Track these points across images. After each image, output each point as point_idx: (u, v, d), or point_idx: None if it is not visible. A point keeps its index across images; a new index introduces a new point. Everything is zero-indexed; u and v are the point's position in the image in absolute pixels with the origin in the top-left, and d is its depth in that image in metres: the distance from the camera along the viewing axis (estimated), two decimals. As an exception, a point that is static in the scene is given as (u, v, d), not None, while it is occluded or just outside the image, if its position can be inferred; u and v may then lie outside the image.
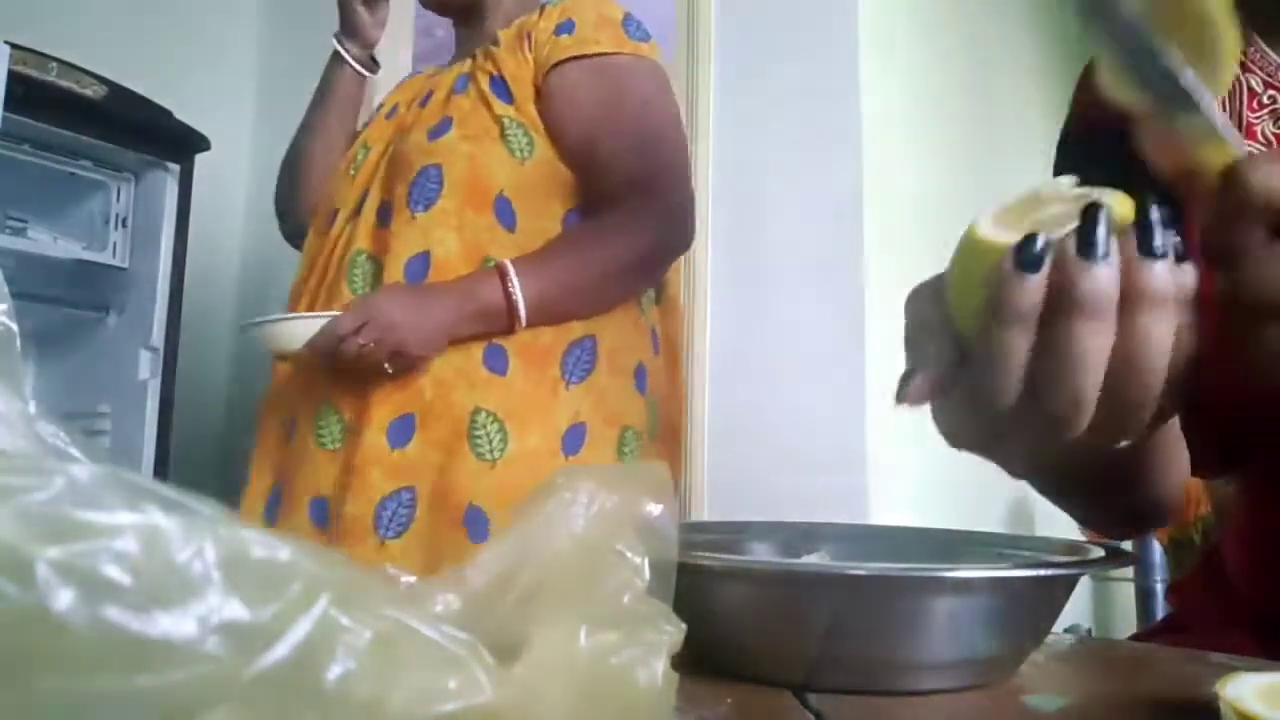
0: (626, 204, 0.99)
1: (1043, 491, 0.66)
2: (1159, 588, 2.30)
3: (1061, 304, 0.32)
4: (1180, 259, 0.32)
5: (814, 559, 0.57)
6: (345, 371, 0.95)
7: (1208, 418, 0.64)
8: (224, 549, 0.18)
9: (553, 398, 0.99)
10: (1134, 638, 0.79)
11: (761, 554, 0.61)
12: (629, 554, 0.28)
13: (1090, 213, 0.32)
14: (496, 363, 0.97)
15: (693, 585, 0.35)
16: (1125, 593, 2.57)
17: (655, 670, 0.24)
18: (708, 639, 0.40)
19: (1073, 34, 2.84)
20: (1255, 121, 0.62)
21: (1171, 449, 0.60)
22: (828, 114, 1.57)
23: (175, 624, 0.17)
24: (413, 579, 0.33)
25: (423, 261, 0.99)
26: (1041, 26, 2.60)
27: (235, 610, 0.18)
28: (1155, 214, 0.32)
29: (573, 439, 0.99)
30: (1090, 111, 0.72)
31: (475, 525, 0.92)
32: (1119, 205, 0.33)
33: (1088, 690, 0.44)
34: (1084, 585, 2.47)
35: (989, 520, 1.93)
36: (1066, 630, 0.93)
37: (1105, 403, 0.33)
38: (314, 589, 0.19)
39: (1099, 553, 0.48)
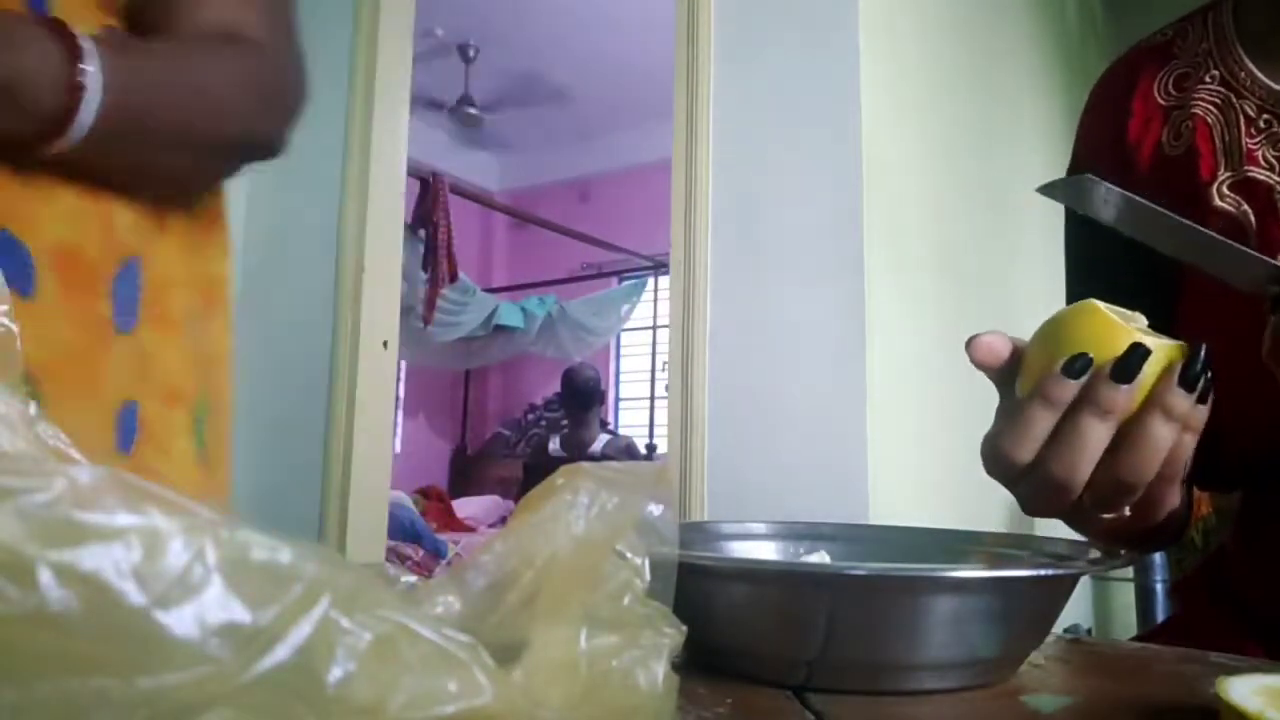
0: (224, 37, 0.66)
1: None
2: (1159, 588, 2.30)
3: (1083, 402, 0.42)
4: (1203, 400, 0.42)
5: (814, 559, 0.57)
6: None
7: (1219, 434, 0.65)
8: (224, 551, 0.18)
9: (102, 350, 0.59)
10: (1135, 638, 0.79)
11: (761, 554, 0.61)
12: (629, 555, 0.28)
13: (1134, 350, 0.41)
14: (15, 271, 0.55)
15: (693, 585, 0.35)
16: (1125, 593, 2.56)
17: (656, 673, 0.24)
18: (708, 639, 0.40)
19: (1073, 33, 2.84)
20: (1255, 147, 0.63)
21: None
22: (828, 113, 1.57)
23: (176, 625, 0.17)
24: (413, 579, 0.33)
25: None
26: (1042, 25, 2.60)
27: (235, 612, 0.18)
28: (1200, 362, 0.41)
29: (125, 428, 0.61)
30: (1093, 155, 0.72)
31: None
32: (1168, 351, 0.42)
33: (1088, 690, 0.44)
34: (1084, 585, 2.47)
35: (989, 520, 1.93)
36: (1066, 630, 0.93)
37: (1100, 477, 0.43)
38: (314, 591, 0.19)
39: (1099, 553, 0.48)
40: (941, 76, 1.92)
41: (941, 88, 1.91)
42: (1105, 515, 0.45)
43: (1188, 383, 0.41)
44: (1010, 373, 0.47)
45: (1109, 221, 0.46)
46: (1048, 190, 0.46)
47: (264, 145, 0.72)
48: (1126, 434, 0.42)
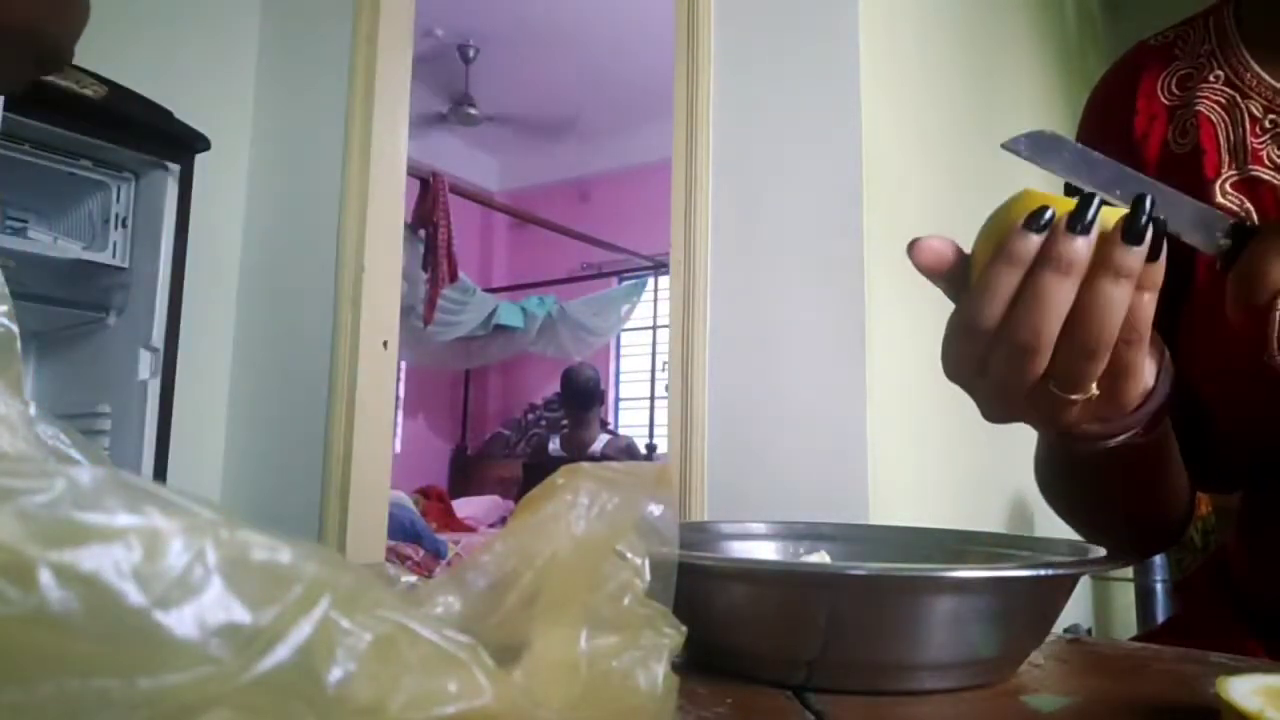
0: None
1: (1052, 503, 0.66)
2: (1159, 588, 2.30)
3: (1043, 259, 0.41)
4: (1155, 257, 0.41)
5: (814, 559, 0.57)
6: None
7: (1219, 437, 0.65)
8: (225, 551, 0.18)
9: None
10: (1135, 638, 0.79)
11: (761, 554, 0.61)
12: (630, 555, 0.28)
13: (1086, 199, 0.41)
14: None
15: (693, 585, 0.35)
16: (1125, 593, 2.56)
17: (656, 674, 0.24)
18: (708, 639, 0.40)
19: (1072, 35, 2.84)
20: (1260, 147, 0.63)
21: (1165, 467, 0.60)
22: (828, 113, 1.57)
23: (176, 626, 0.17)
24: (413, 579, 0.33)
25: None
26: (1041, 27, 2.60)
27: (236, 612, 0.18)
28: (1145, 213, 0.41)
29: None
30: (1096, 149, 0.72)
31: None
32: (1115, 214, 0.41)
33: (1088, 690, 0.44)
34: (1084, 585, 2.47)
35: (989, 520, 1.93)
36: (1066, 630, 0.93)
37: (1064, 347, 0.42)
38: (315, 591, 0.19)
39: (1099, 553, 0.48)
40: (941, 77, 1.92)
41: (941, 88, 1.91)
42: (1073, 396, 0.44)
43: (1134, 236, 0.40)
44: (961, 279, 0.46)
45: (1068, 176, 0.46)
46: (1011, 145, 0.46)
47: (50, 50, 0.73)
48: (1080, 299, 0.41)
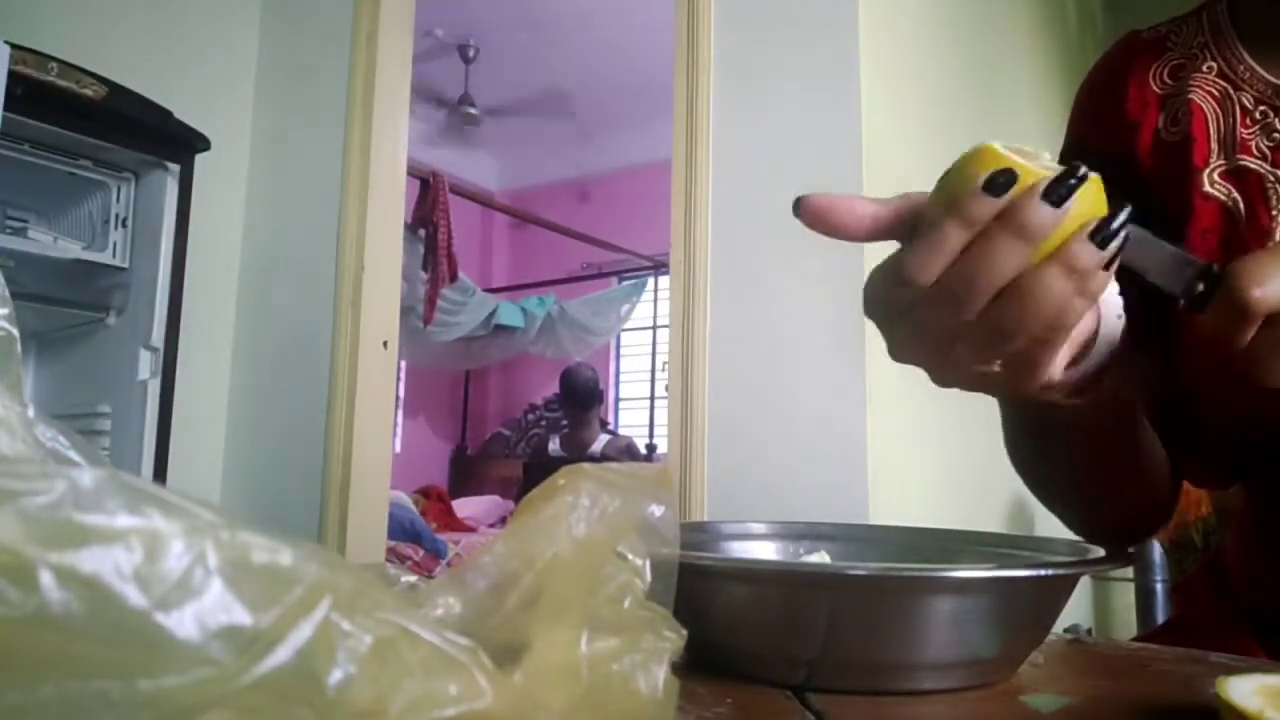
0: None
1: (1029, 486, 0.66)
2: (1159, 588, 2.31)
3: (1001, 222, 0.38)
4: (1108, 266, 0.39)
5: (814, 559, 0.57)
6: None
7: (1215, 430, 0.65)
8: (225, 553, 0.18)
9: None
10: (1135, 638, 0.80)
11: (761, 554, 0.61)
12: (630, 556, 0.28)
13: (1073, 170, 0.38)
14: None
15: (693, 585, 0.35)
16: (1125, 593, 2.56)
17: (656, 677, 0.24)
18: (708, 639, 0.40)
19: (1073, 34, 2.84)
20: (1249, 137, 0.63)
21: (1138, 452, 0.59)
22: (828, 113, 1.57)
23: (176, 628, 0.17)
24: (413, 580, 0.33)
25: None
26: (1042, 27, 2.60)
27: (236, 614, 0.18)
28: (1121, 219, 0.38)
29: None
30: (1088, 139, 0.72)
31: None
32: (1098, 191, 0.39)
33: (1088, 690, 0.44)
34: (1084, 585, 2.47)
35: (989, 520, 1.93)
36: (1066, 630, 0.93)
37: (992, 315, 0.40)
38: (315, 593, 0.19)
39: (1099, 553, 0.48)
40: (941, 76, 1.92)
41: (941, 88, 1.91)
42: (975, 366, 0.42)
43: (1103, 237, 0.38)
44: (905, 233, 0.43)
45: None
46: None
47: None
48: (1017, 280, 0.39)
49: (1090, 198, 0.38)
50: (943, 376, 0.45)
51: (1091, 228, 0.38)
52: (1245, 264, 0.39)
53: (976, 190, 0.38)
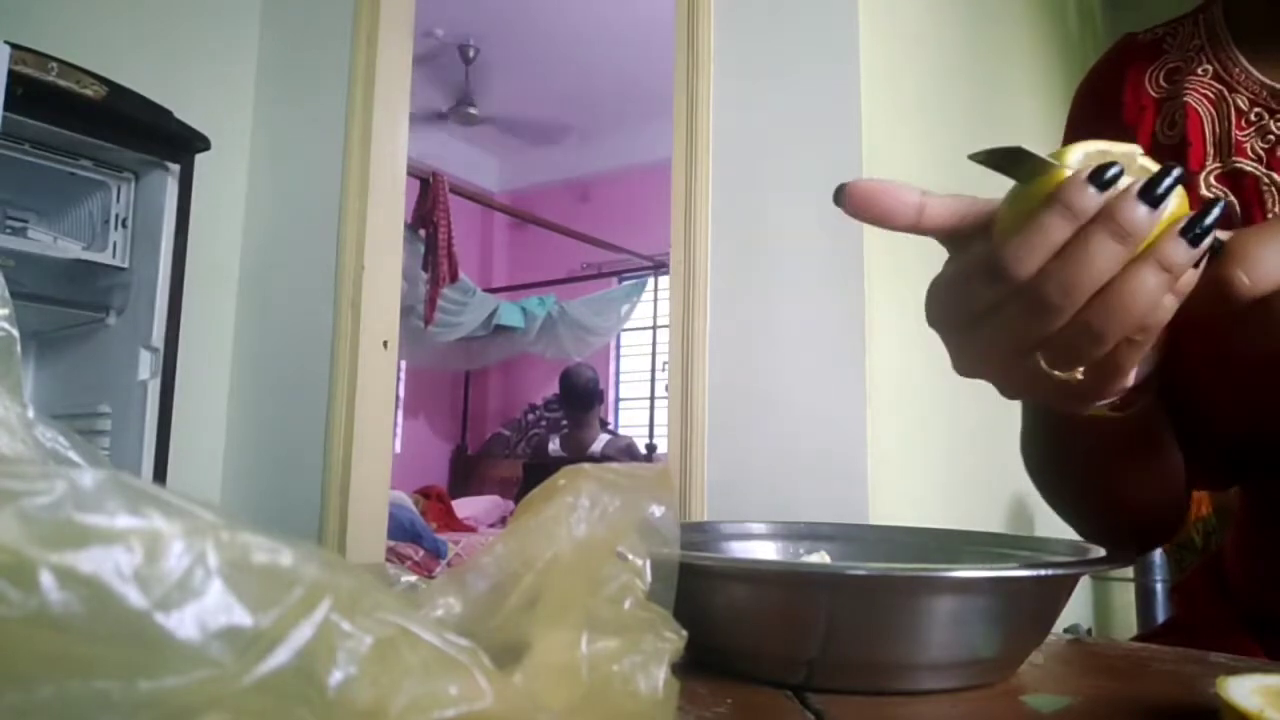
0: None
1: (1034, 479, 0.66)
2: (1159, 588, 2.31)
3: (1099, 223, 0.38)
4: (1198, 263, 0.38)
5: (814, 559, 0.57)
6: None
7: (1214, 432, 0.65)
8: (225, 554, 0.18)
9: None
10: (1135, 638, 0.80)
11: (761, 554, 0.61)
12: (631, 556, 0.28)
13: (1168, 170, 0.38)
14: None
15: (693, 585, 0.35)
16: (1125, 593, 2.57)
17: (656, 678, 0.24)
18: (708, 639, 0.40)
19: (1073, 34, 2.84)
20: (1244, 139, 0.63)
21: (1143, 445, 0.60)
22: (828, 113, 1.57)
23: (177, 628, 0.17)
24: (413, 580, 0.33)
25: None
26: (1042, 27, 2.60)
27: (236, 615, 0.18)
28: (1213, 216, 0.38)
29: None
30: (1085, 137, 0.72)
31: None
32: (1181, 189, 0.39)
33: (1088, 690, 0.44)
34: (1084, 585, 2.47)
35: (989, 520, 1.93)
36: (1066, 630, 0.93)
37: (1083, 318, 0.39)
38: (315, 594, 0.19)
39: (1099, 553, 0.48)
40: (942, 76, 1.92)
41: (942, 87, 1.91)
42: (1057, 374, 0.41)
43: (1193, 235, 0.38)
44: (971, 229, 0.43)
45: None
46: (979, 157, 0.42)
47: None
48: (1110, 281, 0.38)
49: (1178, 196, 0.38)
50: (1015, 387, 0.45)
51: (1182, 225, 0.38)
52: (1241, 242, 0.39)
53: (1081, 182, 0.38)
